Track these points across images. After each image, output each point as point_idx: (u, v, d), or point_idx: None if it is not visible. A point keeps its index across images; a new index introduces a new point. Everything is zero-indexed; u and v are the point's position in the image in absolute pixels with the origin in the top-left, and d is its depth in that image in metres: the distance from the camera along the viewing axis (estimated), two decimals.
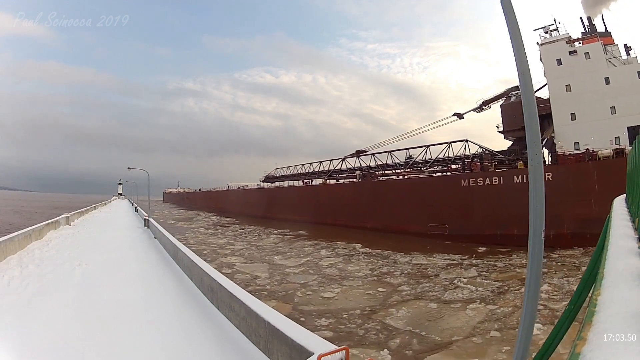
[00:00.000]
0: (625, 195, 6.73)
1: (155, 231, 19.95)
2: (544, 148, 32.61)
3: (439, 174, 37.72)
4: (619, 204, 5.72)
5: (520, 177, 28.19)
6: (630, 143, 26.40)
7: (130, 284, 10.00)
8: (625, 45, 32.65)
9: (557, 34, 33.75)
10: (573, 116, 30.09)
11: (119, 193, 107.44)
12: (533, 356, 2.60)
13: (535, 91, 35.32)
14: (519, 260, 20.76)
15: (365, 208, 38.12)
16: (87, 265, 12.08)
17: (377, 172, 44.80)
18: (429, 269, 19.21)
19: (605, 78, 29.11)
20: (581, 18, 36.06)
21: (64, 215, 25.95)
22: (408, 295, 14.54)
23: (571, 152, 28.38)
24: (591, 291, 2.29)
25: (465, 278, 16.91)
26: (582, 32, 34.49)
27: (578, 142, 29.27)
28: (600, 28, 34.96)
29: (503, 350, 9.20)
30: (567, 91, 30.69)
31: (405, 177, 40.79)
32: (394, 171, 42.87)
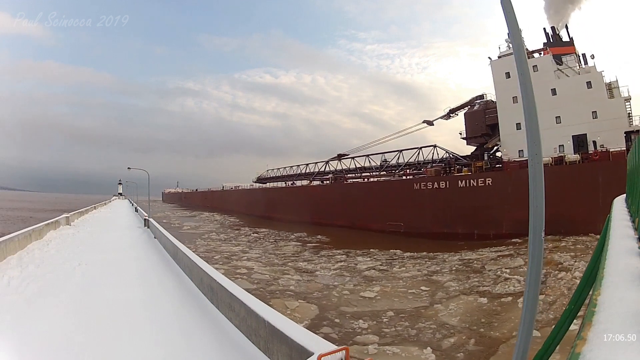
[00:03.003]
0: (625, 195, 6.73)
1: (155, 231, 19.96)
2: (495, 154, 34.76)
3: (409, 177, 40.29)
4: (619, 204, 5.72)
5: (464, 181, 31.01)
6: (575, 150, 28.40)
7: (130, 284, 10.00)
8: (583, 55, 33.85)
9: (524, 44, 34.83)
10: (518, 126, 31.78)
11: (119, 193, 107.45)
12: (533, 356, 2.60)
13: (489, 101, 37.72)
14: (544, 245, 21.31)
15: (336, 208, 41.49)
16: (87, 265, 12.07)
17: (345, 176, 48.74)
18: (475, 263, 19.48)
19: (552, 89, 30.47)
20: (544, 28, 37.30)
21: (64, 216, 25.93)
22: (455, 291, 14.67)
23: (515, 160, 30.28)
24: (591, 291, 2.29)
25: (507, 269, 17.15)
26: (543, 43, 35.79)
27: (522, 150, 30.67)
28: (564, 38, 36.38)
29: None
30: (513, 102, 32.37)
31: (368, 180, 44.68)
32: (371, 174, 45.82)
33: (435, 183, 33.03)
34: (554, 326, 2.67)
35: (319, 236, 31.88)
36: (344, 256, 23.03)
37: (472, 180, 30.65)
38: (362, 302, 13.32)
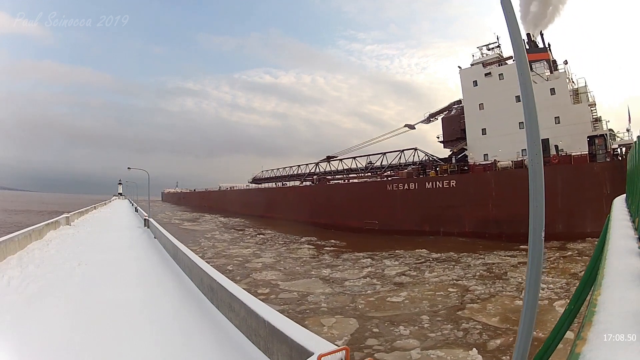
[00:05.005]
0: (625, 195, 6.73)
1: (155, 231, 19.95)
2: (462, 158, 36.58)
3: (384, 178, 42.61)
4: (619, 204, 5.73)
5: (430, 183, 33.45)
6: None
7: (130, 284, 9.99)
8: (554, 61, 35.20)
9: (500, 51, 37.08)
10: (484, 131, 34.23)
11: (119, 193, 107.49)
12: (533, 356, 2.60)
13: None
14: (551, 254, 21.24)
15: (319, 207, 44.15)
16: (87, 266, 12.07)
17: (327, 177, 52.24)
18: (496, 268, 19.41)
19: (516, 96, 31.98)
20: None
21: (64, 215, 25.94)
22: (484, 294, 14.58)
23: (480, 163, 32.68)
24: (591, 291, 2.29)
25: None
26: None
27: (487, 154, 33.29)
28: (540, 45, 37.69)
29: None
30: (480, 109, 34.66)
31: (348, 181, 48.15)
32: (357, 175, 48.61)
33: (406, 184, 35.30)
34: (554, 326, 2.67)
35: (332, 240, 31.44)
36: (369, 259, 22.48)
37: (437, 182, 32.91)
38: (395, 306, 13.02)
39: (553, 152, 29.34)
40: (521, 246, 24.31)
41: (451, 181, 32.00)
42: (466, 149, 35.72)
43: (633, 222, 3.79)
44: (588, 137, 28.19)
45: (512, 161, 29.99)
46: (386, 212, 35.50)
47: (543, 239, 2.02)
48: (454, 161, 36.48)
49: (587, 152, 27.31)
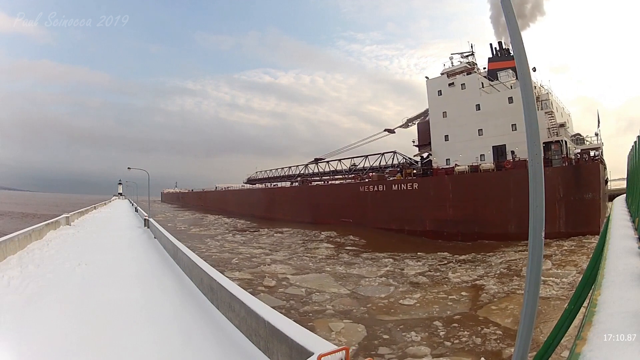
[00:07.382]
0: (625, 195, 6.73)
1: (155, 231, 19.95)
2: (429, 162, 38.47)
3: (358, 180, 45.24)
4: (619, 204, 5.72)
5: (397, 185, 36.03)
6: (495, 160, 31.56)
7: (130, 284, 9.99)
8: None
9: (473, 59, 38.53)
10: (446, 137, 36.26)
11: (119, 193, 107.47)
12: (533, 356, 2.60)
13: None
14: (552, 249, 21.11)
15: (302, 206, 47.36)
16: (87, 266, 12.06)
17: (310, 179, 56.12)
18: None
19: (476, 105, 33.87)
20: (490, 44, 40.24)
21: (64, 215, 25.94)
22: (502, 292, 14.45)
23: (442, 167, 35.31)
24: (591, 291, 2.29)
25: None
26: (488, 58, 39.20)
27: (449, 159, 35.41)
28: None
29: None
30: (443, 117, 36.63)
31: (328, 183, 52.26)
32: (343, 176, 51.63)
33: (376, 186, 38.11)
34: (554, 326, 2.67)
35: (351, 236, 31.89)
36: (390, 260, 22.17)
37: (402, 185, 35.55)
38: (408, 310, 12.80)
39: (510, 157, 30.84)
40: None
41: (414, 184, 34.49)
42: (431, 154, 38.04)
43: (633, 222, 3.79)
44: (544, 143, 28.88)
45: (468, 166, 31.94)
46: (359, 211, 38.42)
47: (543, 239, 2.02)
48: (420, 165, 39.02)
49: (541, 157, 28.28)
